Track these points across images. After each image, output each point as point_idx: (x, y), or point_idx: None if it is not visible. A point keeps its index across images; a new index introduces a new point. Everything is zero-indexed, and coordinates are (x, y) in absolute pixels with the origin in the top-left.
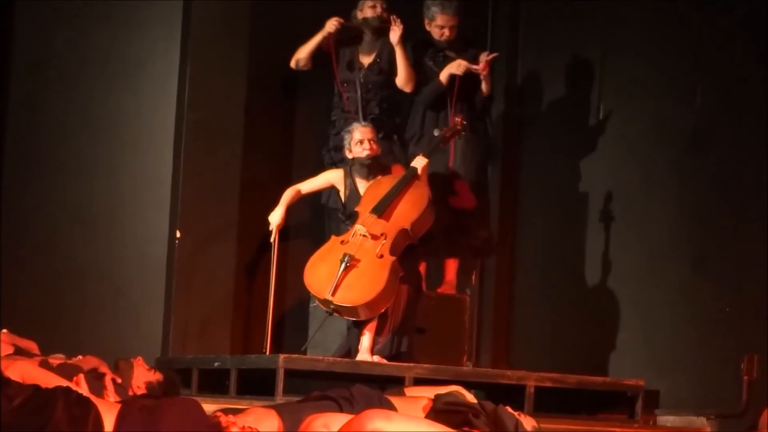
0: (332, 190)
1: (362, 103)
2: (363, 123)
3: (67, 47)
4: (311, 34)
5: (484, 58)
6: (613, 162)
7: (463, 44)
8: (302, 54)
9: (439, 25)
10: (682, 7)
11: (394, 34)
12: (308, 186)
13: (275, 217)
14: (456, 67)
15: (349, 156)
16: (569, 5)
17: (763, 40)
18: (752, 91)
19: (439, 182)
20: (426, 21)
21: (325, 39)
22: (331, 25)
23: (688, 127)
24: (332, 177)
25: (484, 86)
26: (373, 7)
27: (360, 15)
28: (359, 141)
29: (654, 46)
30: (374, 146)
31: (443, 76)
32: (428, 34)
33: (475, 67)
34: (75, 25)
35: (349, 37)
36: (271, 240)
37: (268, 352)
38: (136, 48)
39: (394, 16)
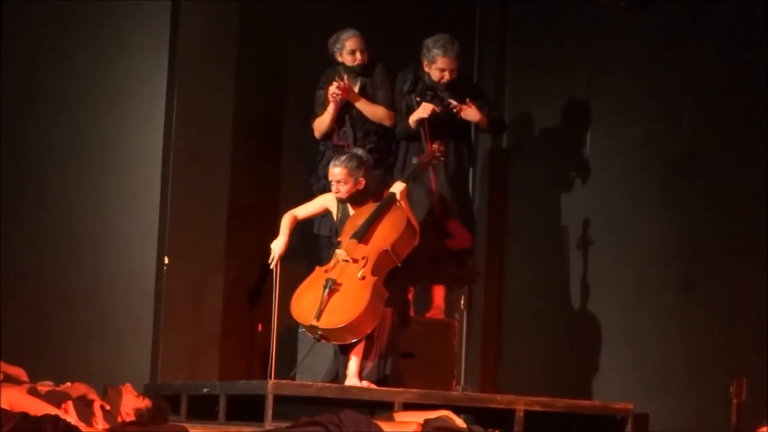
0: (322, 219)
1: (356, 135)
2: (335, 162)
3: (53, 74)
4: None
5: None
6: (600, 187)
7: (456, 82)
8: (324, 127)
9: (440, 68)
10: (669, 33)
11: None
12: (304, 211)
13: (278, 245)
14: (422, 111)
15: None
16: (556, 31)
17: (750, 65)
18: (740, 116)
19: (429, 219)
20: (425, 63)
21: (337, 106)
22: (336, 90)
23: (676, 152)
24: (326, 201)
25: (476, 118)
26: (352, 54)
27: (339, 58)
28: (332, 182)
29: (641, 72)
30: (341, 189)
31: (411, 120)
32: (420, 69)
33: (453, 104)
34: (61, 51)
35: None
36: (272, 267)
37: (272, 378)
38: (123, 74)
39: (343, 84)
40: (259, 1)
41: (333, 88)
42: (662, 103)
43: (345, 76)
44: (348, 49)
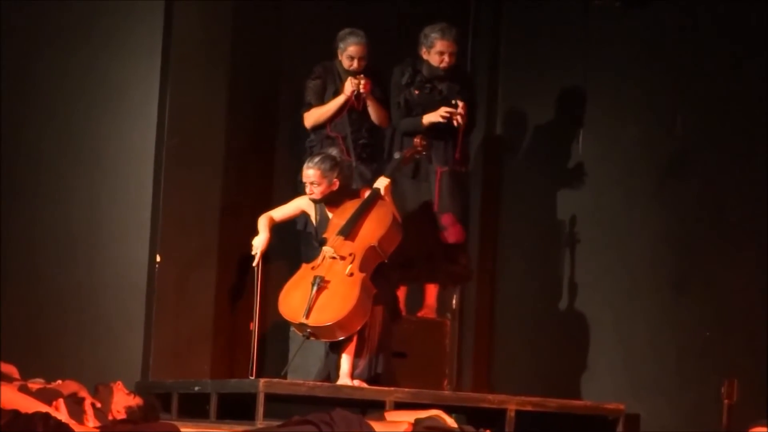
0: (308, 218)
1: (351, 129)
2: (308, 164)
3: (46, 73)
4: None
5: (460, 109)
6: (594, 187)
7: (452, 74)
8: (324, 119)
9: (439, 51)
10: (663, 32)
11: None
12: (280, 213)
13: (259, 242)
14: (438, 117)
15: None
16: (552, 31)
17: (744, 66)
18: (734, 117)
19: (427, 216)
20: (424, 50)
21: (348, 100)
22: (357, 86)
23: (669, 152)
24: (302, 203)
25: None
26: (351, 59)
27: (339, 56)
28: (305, 183)
29: (636, 72)
30: (315, 190)
31: (426, 120)
32: (418, 62)
33: (456, 116)
34: (54, 50)
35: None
36: (254, 264)
37: (253, 376)
38: (116, 73)
39: (362, 78)
40: (252, 0)
41: (355, 85)
42: (656, 103)
43: (362, 75)
44: (348, 54)
